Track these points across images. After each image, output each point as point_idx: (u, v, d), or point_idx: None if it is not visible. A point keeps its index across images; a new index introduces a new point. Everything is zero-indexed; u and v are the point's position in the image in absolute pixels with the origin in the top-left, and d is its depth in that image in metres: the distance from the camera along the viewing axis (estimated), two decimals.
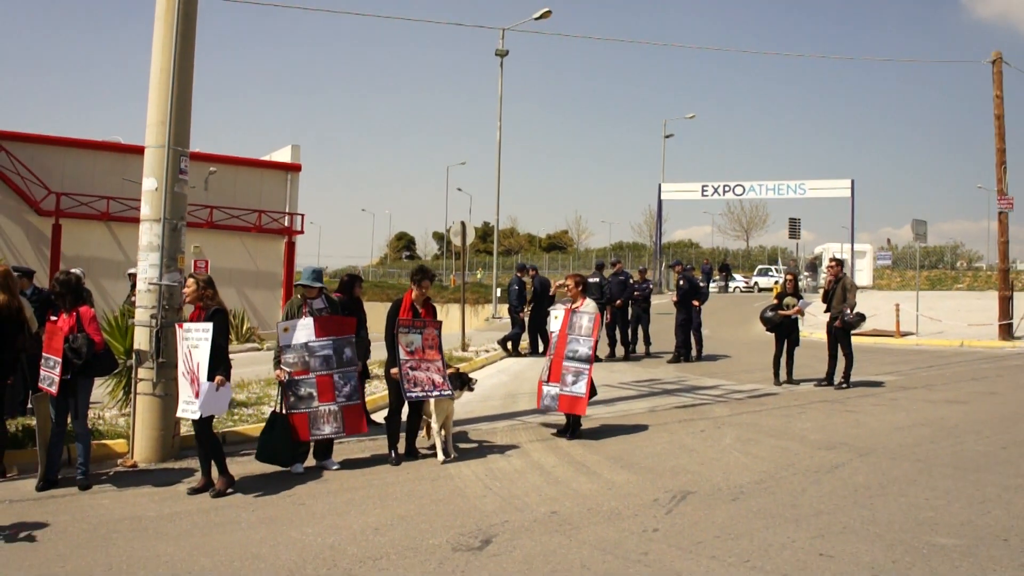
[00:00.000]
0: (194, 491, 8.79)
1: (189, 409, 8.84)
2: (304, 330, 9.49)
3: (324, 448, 9.81)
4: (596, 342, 11.25)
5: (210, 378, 8.62)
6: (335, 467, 9.66)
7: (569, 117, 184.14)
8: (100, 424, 10.68)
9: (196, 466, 9.89)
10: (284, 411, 9.43)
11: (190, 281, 9.12)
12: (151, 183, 10.14)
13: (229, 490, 8.67)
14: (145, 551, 6.95)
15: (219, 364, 8.73)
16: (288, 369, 9.40)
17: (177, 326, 9.23)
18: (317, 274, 10.00)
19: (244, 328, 27.83)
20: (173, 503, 8.38)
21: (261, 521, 7.71)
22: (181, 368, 8.98)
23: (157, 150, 10.13)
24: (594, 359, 11.21)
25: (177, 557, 6.76)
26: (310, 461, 9.79)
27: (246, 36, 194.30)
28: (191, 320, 9.03)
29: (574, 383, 10.99)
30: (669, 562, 6.42)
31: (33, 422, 9.65)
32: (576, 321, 11.16)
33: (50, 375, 8.98)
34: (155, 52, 10.31)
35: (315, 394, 9.48)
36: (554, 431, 11.51)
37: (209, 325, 8.70)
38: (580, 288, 11.43)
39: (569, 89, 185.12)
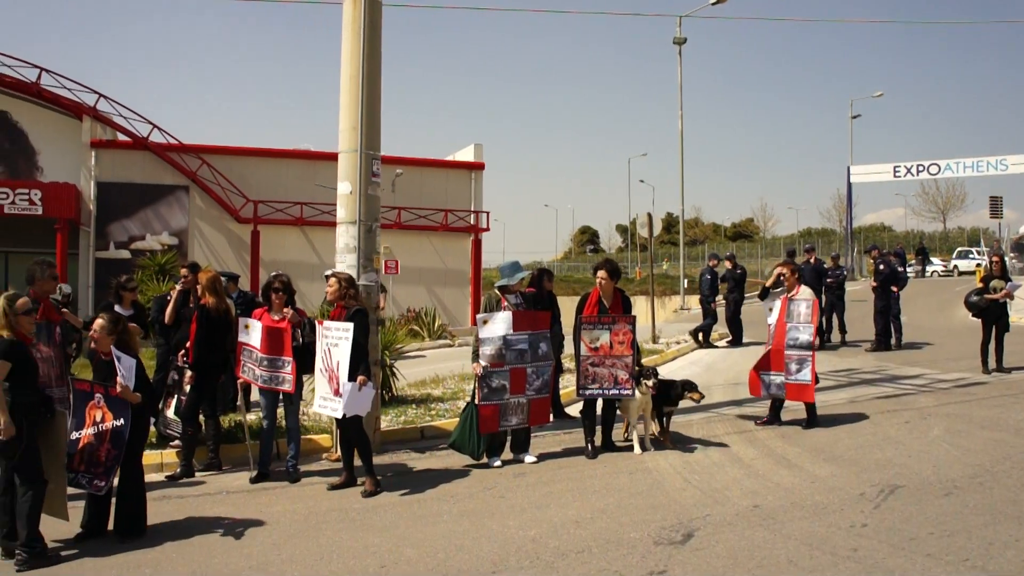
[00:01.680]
0: (334, 487, 8.99)
1: (328, 406, 9.03)
2: (503, 323, 9.57)
3: (521, 441, 9.89)
4: (816, 328, 11.00)
5: (351, 378, 8.76)
6: (532, 460, 9.72)
7: (750, 102, 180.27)
8: (305, 420, 11.09)
9: (398, 460, 10.19)
10: (477, 403, 9.55)
11: (332, 280, 9.34)
12: (346, 187, 10.46)
13: (378, 490, 8.72)
14: (353, 541, 7.18)
15: (360, 364, 8.84)
16: (484, 362, 9.51)
17: (317, 323, 9.44)
18: (516, 266, 10.06)
19: (436, 325, 28.40)
20: (377, 496, 8.60)
21: (463, 514, 7.84)
22: (319, 365, 9.17)
23: (350, 155, 10.43)
24: (816, 345, 10.96)
25: (384, 548, 6.94)
26: (507, 454, 9.87)
27: (426, 40, 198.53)
28: (331, 319, 9.22)
29: (798, 371, 10.77)
30: (881, 559, 6.16)
31: (244, 418, 10.11)
32: (794, 309, 10.92)
33: (276, 374, 9.37)
34: (344, 60, 10.61)
35: (507, 386, 9.55)
36: (759, 421, 11.25)
37: (350, 325, 8.84)
38: (796, 276, 11.20)
39: (749, 73, 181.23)
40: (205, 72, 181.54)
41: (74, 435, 7.58)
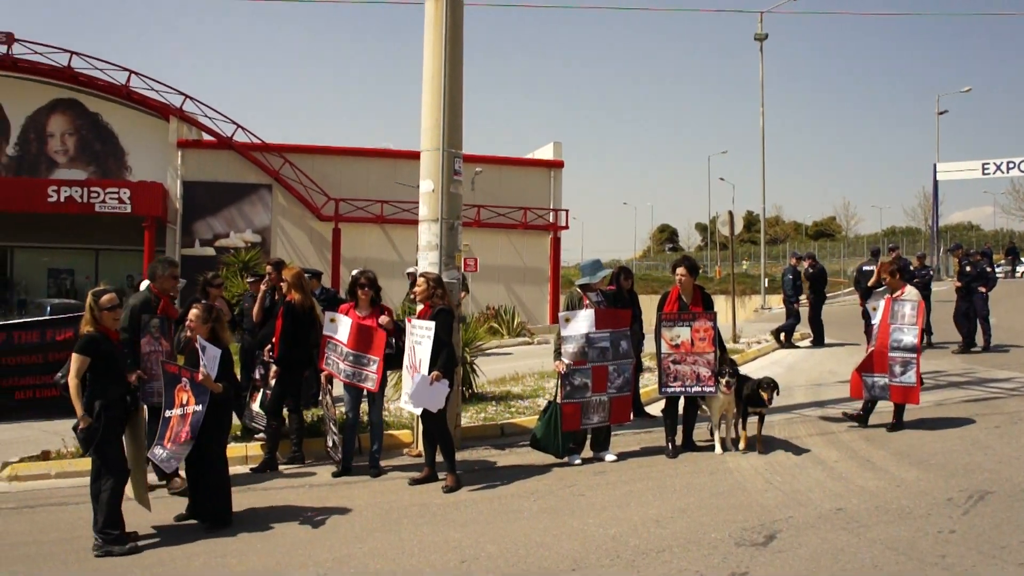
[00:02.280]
0: (415, 482, 9.08)
1: (411, 402, 9.14)
2: (585, 321, 9.57)
3: (602, 440, 9.88)
4: (922, 331, 10.75)
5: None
6: (612, 459, 9.71)
7: (833, 98, 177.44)
8: (386, 415, 11.19)
9: (478, 457, 10.26)
10: (559, 401, 9.56)
11: (420, 280, 9.44)
12: (428, 185, 10.54)
13: (456, 489, 8.78)
14: (435, 536, 7.24)
15: (438, 360, 8.91)
16: (567, 360, 9.51)
17: (407, 320, 9.55)
18: (598, 264, 10.06)
19: (515, 323, 28.48)
20: (457, 492, 8.67)
21: (543, 511, 7.86)
22: (405, 362, 9.31)
23: (432, 153, 10.52)
24: (921, 348, 10.71)
25: (465, 543, 6.99)
26: (586, 452, 9.87)
27: (506, 37, 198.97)
28: (419, 317, 9.30)
29: (903, 373, 10.51)
30: (970, 566, 6.03)
31: (330, 411, 10.25)
32: (898, 310, 10.66)
33: (361, 370, 9.48)
34: (426, 59, 10.69)
35: (589, 384, 9.55)
36: (849, 422, 11.06)
37: (432, 324, 8.96)
38: (898, 276, 10.96)
39: (831, 69, 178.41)
40: (287, 72, 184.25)
41: (167, 413, 7.86)
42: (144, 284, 9.77)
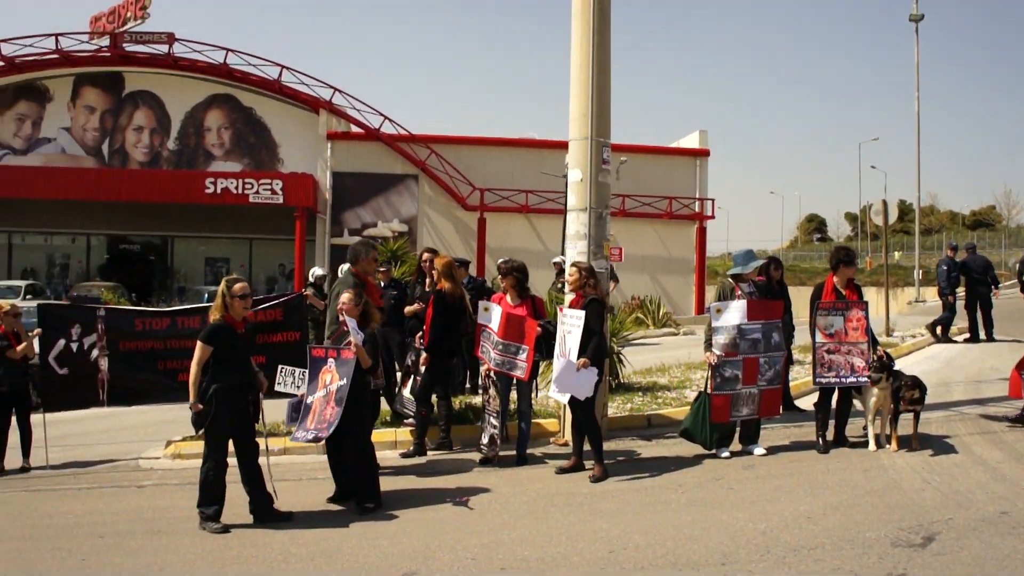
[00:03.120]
0: (562, 471, 9.07)
1: (557, 387, 9.12)
2: (737, 312, 9.41)
3: (751, 433, 9.71)
4: None
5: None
6: (761, 453, 9.52)
7: (991, 80, 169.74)
8: (533, 404, 11.24)
9: (624, 447, 10.22)
10: (709, 392, 9.44)
11: (572, 269, 9.40)
12: (576, 174, 10.53)
13: (603, 479, 8.71)
14: (582, 525, 7.25)
15: (587, 349, 8.85)
16: (718, 351, 9.38)
17: (558, 309, 9.54)
18: (750, 254, 9.87)
19: (661, 313, 28.28)
20: (604, 482, 8.64)
21: (691, 503, 7.77)
22: (557, 351, 9.26)
23: (581, 142, 10.49)
24: None
25: (612, 533, 6.97)
26: (735, 446, 9.72)
27: (649, 24, 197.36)
28: (571, 307, 9.27)
29: None
30: None
31: (473, 400, 10.38)
32: None
33: (511, 359, 9.54)
34: (574, 49, 10.67)
35: (740, 376, 9.40)
36: (1010, 420, 10.58)
37: (583, 313, 8.89)
38: None
39: (989, 50, 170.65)
40: (433, 63, 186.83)
41: (308, 399, 8.08)
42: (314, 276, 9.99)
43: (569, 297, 9.57)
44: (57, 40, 37.58)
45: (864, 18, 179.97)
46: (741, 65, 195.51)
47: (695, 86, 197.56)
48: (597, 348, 8.93)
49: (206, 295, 28.28)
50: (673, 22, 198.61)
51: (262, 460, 7.88)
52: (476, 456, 9.81)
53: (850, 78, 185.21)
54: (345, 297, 8.24)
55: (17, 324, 10.66)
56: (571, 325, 8.99)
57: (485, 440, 9.74)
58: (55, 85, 39.85)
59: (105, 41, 37.94)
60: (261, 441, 8.01)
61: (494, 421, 9.73)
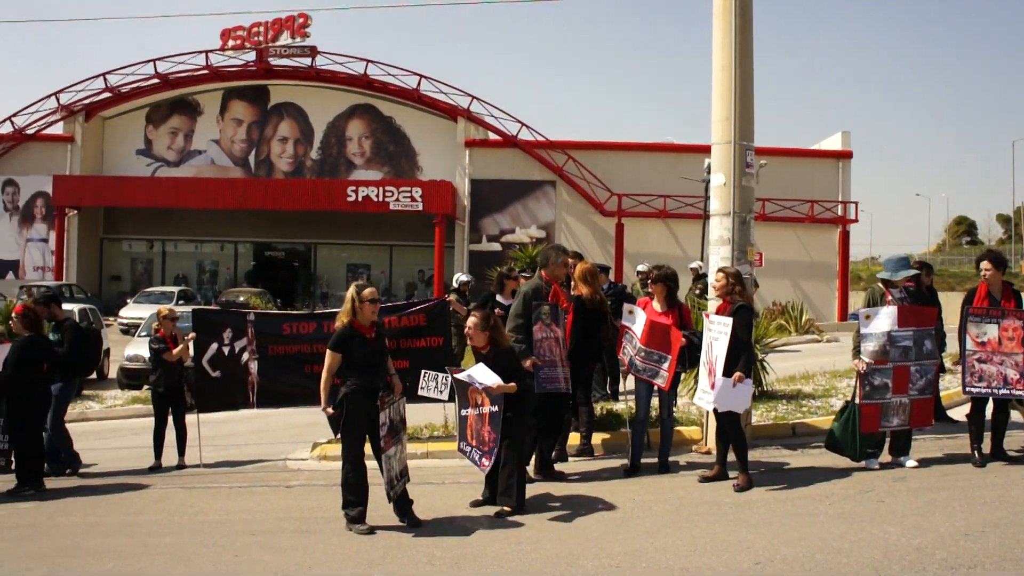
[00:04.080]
0: (706, 480, 8.89)
1: (705, 399, 8.98)
2: (887, 318, 9.10)
3: (902, 444, 9.36)
4: None
5: (727, 374, 8.59)
6: (913, 465, 9.18)
7: None
8: (674, 411, 11.12)
9: (768, 456, 10.01)
10: (857, 401, 9.16)
11: (719, 275, 9.19)
12: (719, 178, 10.37)
13: (748, 488, 8.51)
14: (726, 535, 7.11)
15: (738, 360, 8.64)
16: (867, 359, 9.09)
17: (704, 316, 9.37)
18: (904, 261, 9.52)
19: (803, 320, 27.70)
20: (748, 491, 8.46)
21: (839, 515, 7.55)
22: (702, 358, 9.11)
23: (723, 146, 10.33)
24: None
25: (758, 544, 6.82)
26: (885, 457, 9.40)
27: (787, 24, 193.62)
28: (717, 313, 9.08)
29: None
30: None
31: (615, 407, 10.32)
32: None
33: (653, 367, 9.44)
34: (715, 51, 10.52)
35: (889, 385, 9.08)
36: None
37: (731, 320, 8.66)
38: None
39: None
40: (570, 69, 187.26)
41: (463, 412, 8.20)
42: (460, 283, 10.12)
43: (715, 303, 9.41)
44: (207, 57, 39.07)
45: (1017, 9, 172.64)
46: (884, 63, 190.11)
47: (836, 86, 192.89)
48: (749, 358, 8.75)
49: None
50: (812, 19, 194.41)
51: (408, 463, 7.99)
52: (618, 463, 9.75)
53: (1001, 73, 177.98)
54: (471, 321, 8.27)
55: (175, 328, 11.13)
56: (718, 332, 8.83)
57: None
58: (205, 99, 41.61)
59: (251, 56, 39.23)
60: (411, 446, 8.11)
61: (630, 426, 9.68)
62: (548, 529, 7.53)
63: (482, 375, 8.01)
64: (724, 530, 7.27)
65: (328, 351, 7.79)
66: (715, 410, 8.86)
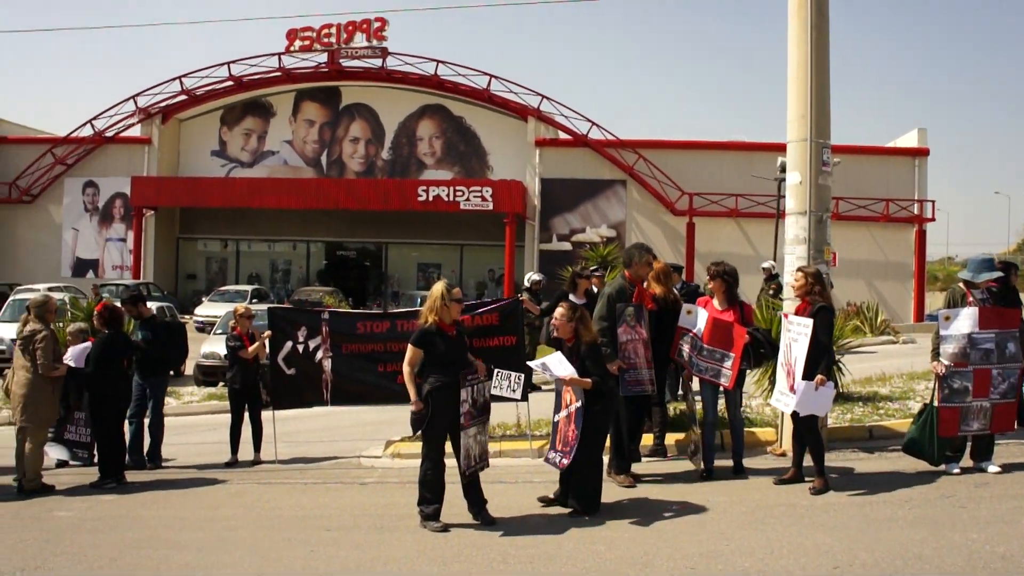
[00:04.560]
0: (781, 482, 8.78)
1: (783, 400, 8.86)
2: (968, 320, 8.87)
3: (983, 449, 9.13)
4: None
5: (808, 376, 8.44)
6: (995, 470, 8.95)
7: None
8: (747, 412, 11.03)
9: (844, 459, 9.86)
10: (935, 404, 8.97)
11: (798, 274, 9.03)
12: (795, 177, 10.23)
13: (824, 491, 8.37)
14: (803, 538, 7.04)
15: (818, 363, 8.47)
16: (946, 361, 8.89)
17: (783, 316, 9.23)
18: (987, 263, 9.23)
19: (878, 321, 27.21)
20: (825, 494, 8.34)
21: (919, 521, 7.41)
22: (780, 358, 9.00)
23: (799, 144, 10.20)
24: None
25: (836, 548, 6.75)
26: (965, 461, 9.18)
27: (862, 18, 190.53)
28: (796, 313, 8.92)
29: None
30: None
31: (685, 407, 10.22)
32: None
33: (716, 367, 9.33)
34: (791, 47, 10.39)
35: (970, 388, 8.86)
36: None
37: (810, 321, 8.51)
38: None
39: None
40: (640, 67, 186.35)
41: (555, 418, 8.22)
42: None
43: (794, 303, 9.27)
44: (280, 59, 39.56)
45: None
46: (961, 58, 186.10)
47: (912, 82, 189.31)
48: (831, 361, 8.59)
49: (419, 300, 28.93)
50: (889, 13, 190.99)
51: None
52: (691, 464, 9.65)
53: None
54: (558, 312, 8.29)
55: (251, 326, 11.31)
56: (797, 333, 8.68)
57: (691, 448, 9.61)
58: (278, 101, 42.15)
59: (320, 57, 39.65)
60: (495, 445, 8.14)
61: (695, 428, 9.57)
62: (622, 530, 7.51)
63: (555, 365, 8.02)
64: (801, 534, 7.19)
65: (410, 346, 7.85)
66: (794, 413, 8.72)
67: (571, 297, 11.11)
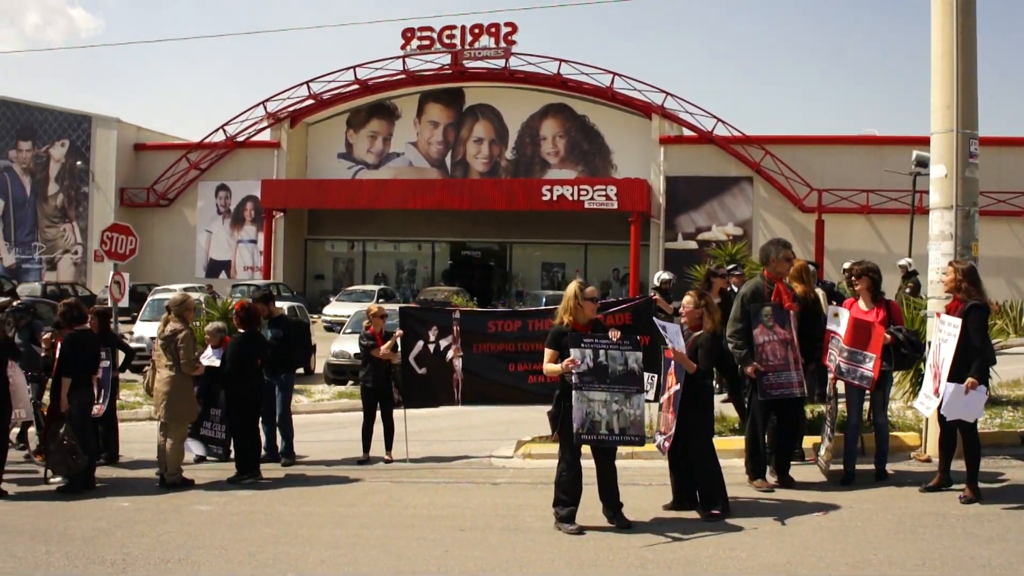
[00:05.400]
0: (928, 489, 8.41)
1: (925, 404, 8.50)
2: None
3: None
4: None
5: (955, 379, 7.98)
6: None
7: None
8: (889, 415, 10.59)
9: (993, 467, 9.37)
10: None
11: (949, 269, 8.60)
12: (940, 170, 9.80)
13: (975, 501, 7.92)
14: (956, 550, 6.77)
15: (968, 364, 8.00)
16: None
17: (935, 315, 8.79)
18: None
19: (1023, 320, 26.02)
20: (975, 504, 7.91)
21: None
22: (929, 359, 8.61)
23: (944, 135, 9.77)
24: None
25: (994, 561, 6.48)
26: None
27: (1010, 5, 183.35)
28: (947, 312, 8.48)
29: None
30: None
31: (824, 408, 9.90)
32: None
33: (857, 368, 8.92)
34: (935, 35, 9.98)
35: None
36: None
37: (959, 321, 8.07)
38: None
39: None
40: (764, 61, 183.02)
41: (661, 400, 8.22)
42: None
43: (942, 302, 8.85)
44: (404, 62, 40.06)
45: None
46: None
47: None
48: (984, 362, 8.14)
49: (543, 299, 28.88)
50: None
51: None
52: (832, 468, 9.30)
53: None
54: (686, 300, 8.23)
55: (384, 325, 11.41)
56: (947, 334, 8.22)
57: (821, 451, 9.26)
58: (402, 103, 42.79)
59: (441, 58, 40.03)
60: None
61: (830, 433, 9.22)
62: (763, 535, 7.28)
63: (673, 334, 7.96)
64: (953, 544, 6.87)
65: (546, 348, 7.79)
66: (942, 417, 8.30)
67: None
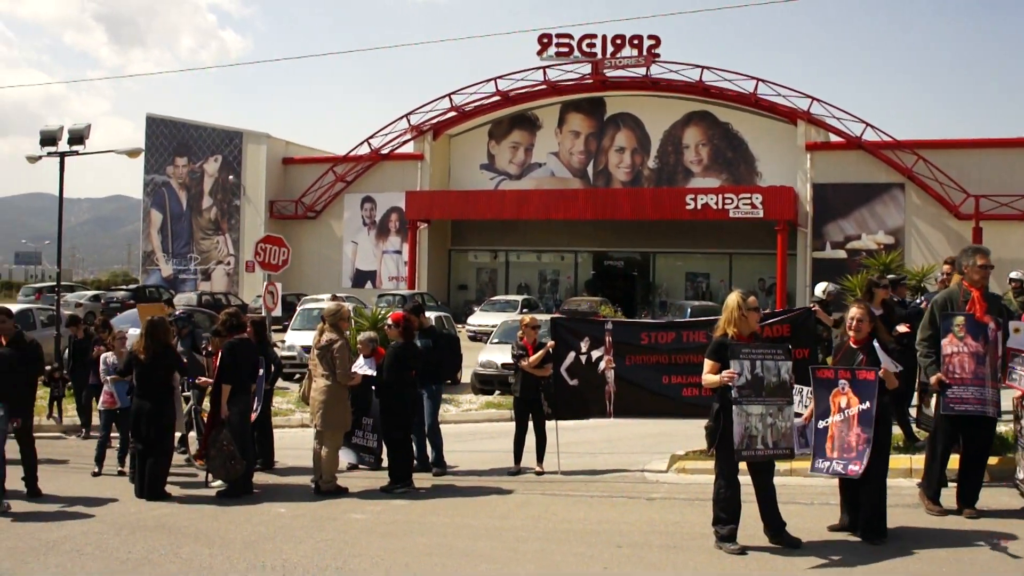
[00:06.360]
0: None
1: None
2: None
3: None
4: None
5: None
6: None
7: None
8: None
9: None
10: None
11: None
12: None
13: None
14: None
15: None
16: None
17: None
18: None
19: None
20: None
21: None
22: None
23: None
24: None
25: None
26: None
27: None
28: None
29: None
30: None
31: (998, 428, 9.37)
32: None
33: None
34: None
35: None
36: None
37: None
38: None
39: None
40: (916, 66, 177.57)
41: (820, 424, 7.63)
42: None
43: None
44: (544, 72, 40.20)
45: None
46: None
47: None
48: None
49: (689, 310, 28.38)
50: None
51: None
52: (1006, 492, 8.78)
53: None
54: (855, 312, 7.79)
55: (536, 336, 11.34)
56: None
57: (1020, 475, 8.68)
58: (543, 114, 43.00)
59: (584, 68, 39.99)
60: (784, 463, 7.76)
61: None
62: (938, 563, 6.91)
63: (881, 351, 7.55)
64: None
65: (706, 360, 7.56)
66: None
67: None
